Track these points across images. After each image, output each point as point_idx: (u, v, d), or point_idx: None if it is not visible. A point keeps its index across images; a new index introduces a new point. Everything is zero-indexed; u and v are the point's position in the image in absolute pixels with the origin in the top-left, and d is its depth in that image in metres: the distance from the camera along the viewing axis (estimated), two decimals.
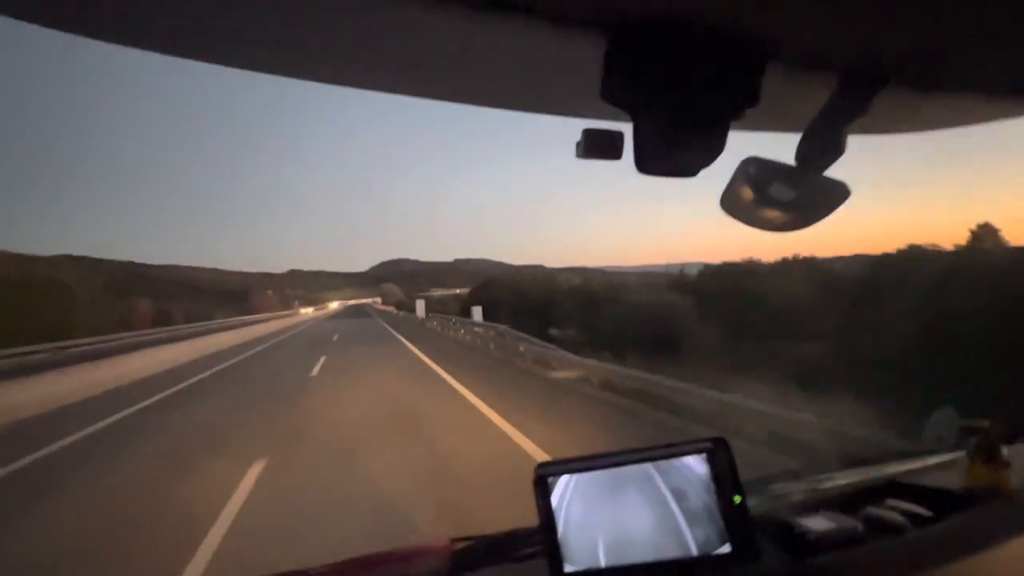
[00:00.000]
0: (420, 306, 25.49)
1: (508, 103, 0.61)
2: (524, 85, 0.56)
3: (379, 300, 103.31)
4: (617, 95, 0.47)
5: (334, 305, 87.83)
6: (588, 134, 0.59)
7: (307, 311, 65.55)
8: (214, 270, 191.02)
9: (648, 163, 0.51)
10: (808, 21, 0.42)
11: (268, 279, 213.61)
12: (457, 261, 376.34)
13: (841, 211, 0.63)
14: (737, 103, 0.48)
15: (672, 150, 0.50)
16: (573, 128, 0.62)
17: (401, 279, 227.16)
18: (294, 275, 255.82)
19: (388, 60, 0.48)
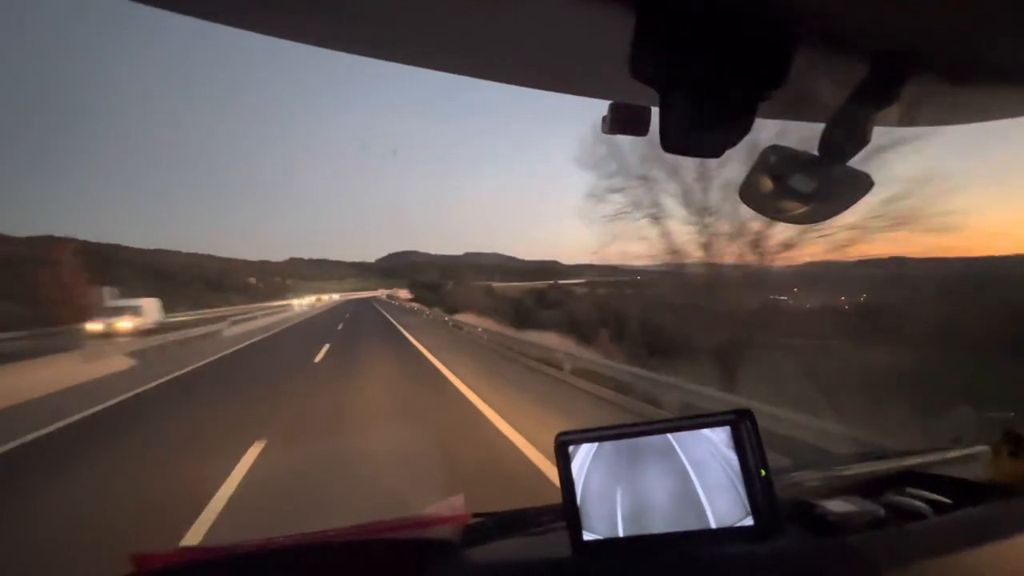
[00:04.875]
0: None
1: (533, 81, 0.61)
2: (550, 61, 0.56)
3: (404, 293, 79.88)
4: (645, 70, 0.46)
5: (302, 304, 51.13)
6: (615, 108, 0.59)
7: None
8: (208, 256, 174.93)
9: (673, 141, 0.52)
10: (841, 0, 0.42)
11: (265, 267, 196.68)
12: (467, 255, 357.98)
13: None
14: (766, 83, 0.47)
15: (699, 128, 0.50)
16: (594, 120, 0.61)
17: (410, 272, 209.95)
18: (294, 263, 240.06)
19: (409, 30, 0.48)
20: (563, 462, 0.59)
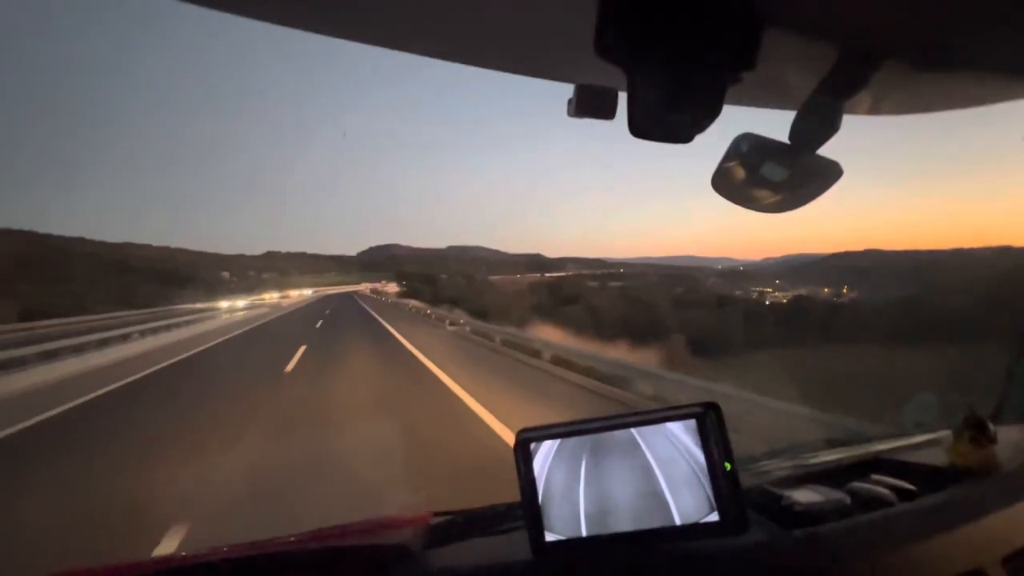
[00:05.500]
0: None
1: (498, 63, 0.60)
2: (515, 40, 0.55)
3: (392, 287, 68.37)
4: (612, 49, 0.45)
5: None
6: (581, 90, 0.58)
7: None
8: (181, 250, 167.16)
9: (642, 126, 0.50)
10: None
11: (241, 261, 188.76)
12: (451, 248, 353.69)
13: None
14: (734, 66, 0.46)
15: (667, 112, 0.49)
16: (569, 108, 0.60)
17: (393, 265, 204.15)
18: (270, 257, 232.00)
19: (371, 9, 0.47)
20: (524, 461, 0.57)
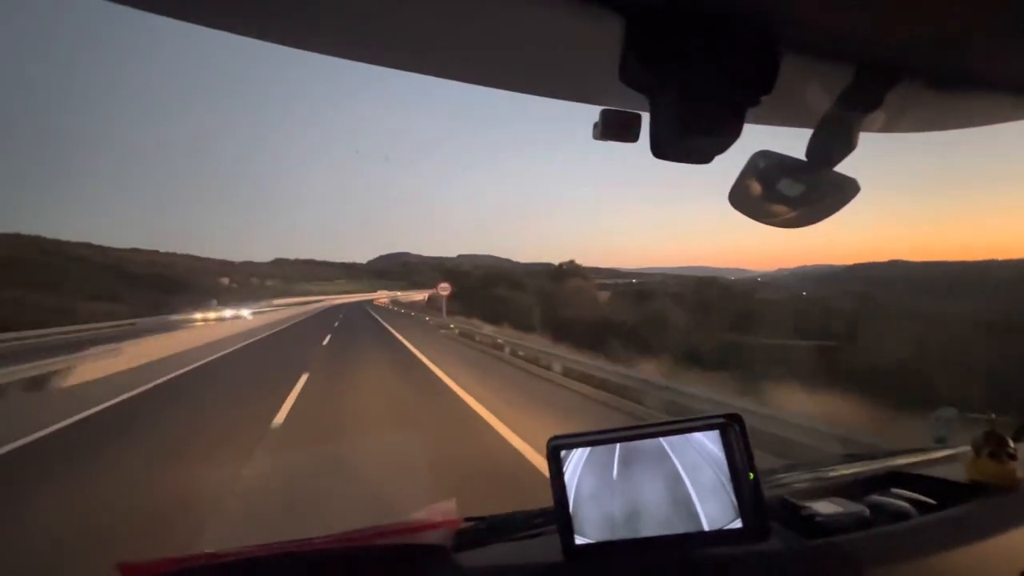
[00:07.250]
0: None
1: (524, 86, 0.62)
2: (541, 67, 0.58)
3: (416, 294, 60.51)
4: (635, 77, 0.47)
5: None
6: (606, 115, 0.61)
7: None
8: (187, 256, 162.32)
9: (664, 147, 0.53)
10: (824, 7, 0.43)
11: (249, 268, 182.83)
12: (461, 257, 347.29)
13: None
14: (753, 89, 0.48)
15: (688, 134, 0.51)
16: (585, 123, 0.62)
17: (403, 273, 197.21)
18: (279, 264, 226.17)
19: (399, 35, 0.49)
20: (555, 467, 0.60)
